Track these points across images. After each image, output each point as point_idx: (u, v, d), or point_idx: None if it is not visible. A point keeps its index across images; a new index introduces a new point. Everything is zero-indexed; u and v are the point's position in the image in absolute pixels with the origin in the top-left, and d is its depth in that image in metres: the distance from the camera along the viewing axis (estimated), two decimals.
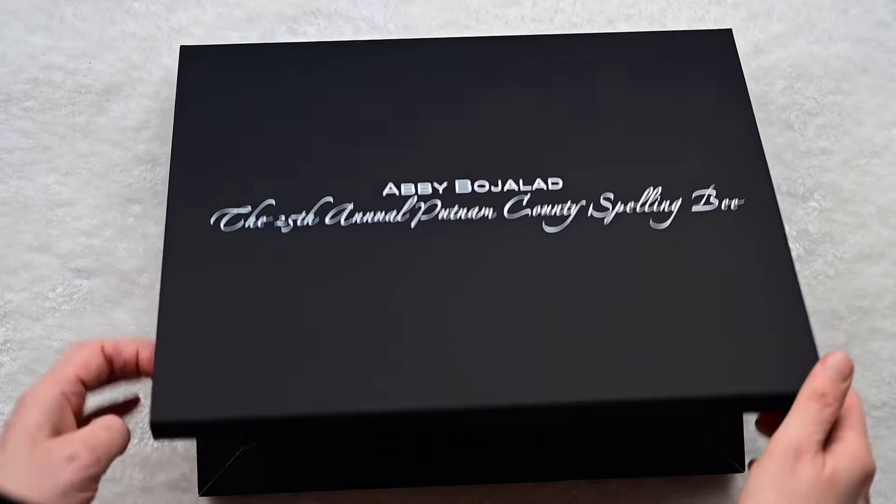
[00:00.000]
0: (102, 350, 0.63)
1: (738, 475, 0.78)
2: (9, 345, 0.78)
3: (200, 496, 0.75)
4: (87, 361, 0.62)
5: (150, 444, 0.78)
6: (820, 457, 0.59)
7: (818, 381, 0.60)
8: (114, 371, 0.64)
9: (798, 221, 0.80)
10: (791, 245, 0.79)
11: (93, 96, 0.79)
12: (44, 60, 0.78)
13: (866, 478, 0.61)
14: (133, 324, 0.78)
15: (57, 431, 0.60)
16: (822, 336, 0.79)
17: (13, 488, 0.56)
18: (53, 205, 0.78)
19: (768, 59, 0.80)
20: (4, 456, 0.58)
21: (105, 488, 0.77)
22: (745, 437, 0.78)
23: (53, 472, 0.57)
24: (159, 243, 0.78)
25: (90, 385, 0.62)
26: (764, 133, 0.80)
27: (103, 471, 0.59)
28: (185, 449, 0.77)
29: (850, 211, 0.80)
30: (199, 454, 0.75)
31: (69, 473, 0.58)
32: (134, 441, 0.78)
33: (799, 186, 0.79)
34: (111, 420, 0.62)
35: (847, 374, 0.61)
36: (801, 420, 0.59)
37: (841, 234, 0.80)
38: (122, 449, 0.62)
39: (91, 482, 0.59)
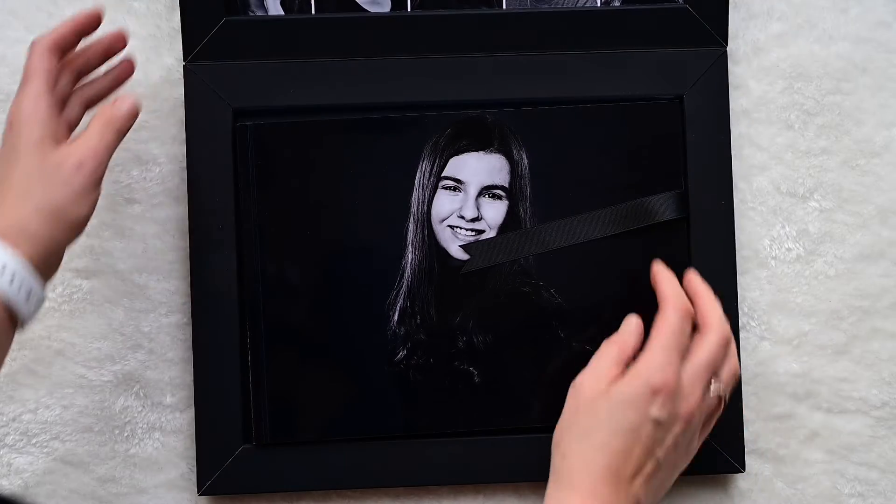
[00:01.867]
0: (51, 47, 0.68)
1: (738, 475, 0.78)
2: None
3: (199, 496, 0.75)
4: (48, 68, 0.67)
5: (151, 444, 0.78)
6: (604, 380, 0.66)
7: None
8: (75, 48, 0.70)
9: (798, 221, 0.80)
10: (791, 245, 0.79)
11: None
12: None
13: (651, 391, 0.65)
14: (132, 324, 0.78)
15: (56, 140, 0.66)
16: (822, 336, 0.79)
17: (34, 202, 0.64)
18: None
19: (768, 59, 0.80)
20: (17, 171, 0.64)
21: (105, 488, 0.77)
22: (745, 437, 0.78)
23: (66, 181, 0.65)
24: (159, 243, 0.78)
25: (67, 73, 0.70)
26: (764, 133, 0.79)
27: (107, 163, 0.67)
28: (185, 448, 0.77)
29: (850, 211, 0.80)
30: (199, 454, 0.75)
31: (79, 179, 0.65)
32: (134, 441, 0.78)
33: (799, 186, 0.79)
34: (108, 113, 0.67)
35: (633, 324, 0.70)
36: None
37: (841, 234, 0.80)
38: (127, 130, 0.68)
39: (98, 182, 0.66)
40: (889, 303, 0.79)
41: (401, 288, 0.76)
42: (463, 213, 0.76)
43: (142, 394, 0.78)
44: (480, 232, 0.76)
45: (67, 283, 0.78)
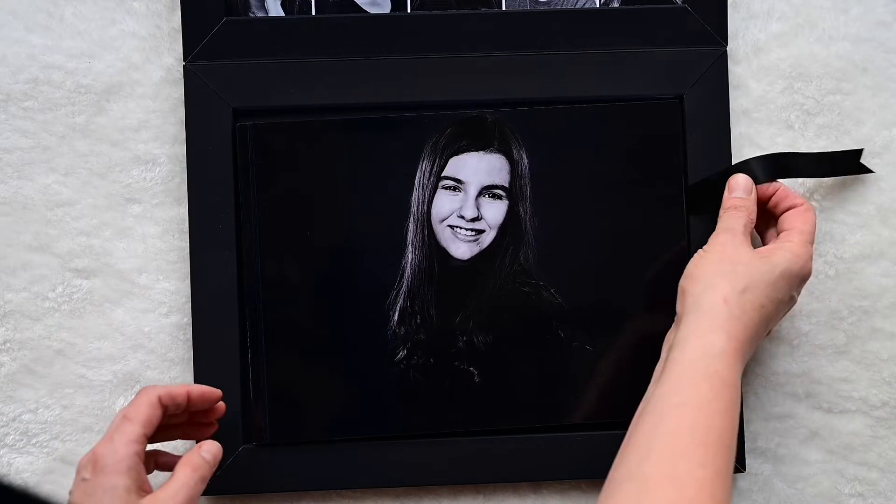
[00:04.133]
0: (160, 401, 0.67)
1: (737, 475, 0.78)
2: (9, 345, 0.78)
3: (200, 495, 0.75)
4: (150, 417, 0.67)
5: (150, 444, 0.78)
6: (749, 244, 0.70)
7: (728, 200, 0.73)
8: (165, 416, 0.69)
9: None
10: None
11: (93, 96, 0.78)
12: (44, 60, 0.78)
13: (801, 277, 0.70)
14: (133, 324, 0.78)
15: (141, 490, 0.65)
16: (822, 336, 0.79)
17: None
18: (53, 205, 0.78)
19: (768, 59, 0.80)
20: None
21: None
22: (744, 436, 0.78)
23: None
24: (159, 243, 0.78)
25: (151, 437, 0.68)
26: (764, 133, 0.79)
27: None
28: (185, 449, 0.77)
29: (850, 211, 0.80)
30: None
31: None
32: None
33: (799, 186, 0.79)
34: (194, 460, 0.67)
35: (749, 188, 0.74)
36: (724, 221, 0.72)
37: (841, 234, 0.80)
38: (211, 475, 0.68)
39: None
40: (889, 303, 0.79)
41: (401, 288, 0.76)
42: (463, 213, 0.76)
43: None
44: (480, 232, 0.76)
45: (67, 283, 0.78)
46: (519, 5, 0.79)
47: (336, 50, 0.77)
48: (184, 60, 0.77)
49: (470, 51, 0.77)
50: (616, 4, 0.79)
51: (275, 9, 0.78)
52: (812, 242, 0.72)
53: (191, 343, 0.76)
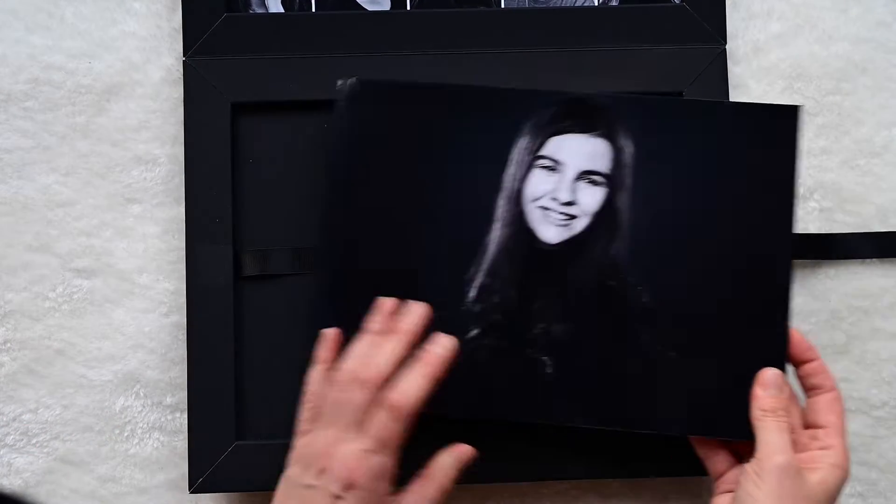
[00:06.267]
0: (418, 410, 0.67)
1: None
2: (9, 345, 0.78)
3: (190, 493, 0.75)
4: (403, 433, 0.66)
5: (151, 444, 0.78)
6: (799, 467, 0.65)
7: (762, 400, 0.68)
8: None
9: (798, 221, 0.79)
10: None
11: (93, 96, 0.79)
12: (44, 60, 0.78)
13: (844, 482, 0.67)
14: (133, 324, 0.78)
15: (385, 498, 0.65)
16: (823, 336, 0.79)
17: None
18: (53, 205, 0.78)
19: (768, 59, 0.80)
20: None
21: (105, 488, 0.77)
22: None
23: None
24: (159, 243, 0.78)
25: None
26: None
27: None
28: (185, 449, 0.77)
29: (850, 211, 0.80)
30: (191, 451, 0.75)
31: None
32: (134, 441, 0.78)
33: (799, 186, 0.79)
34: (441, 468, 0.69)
35: (782, 384, 0.69)
36: (772, 435, 0.66)
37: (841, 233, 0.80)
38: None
39: None
40: (889, 303, 0.79)
41: (482, 264, 0.72)
42: (557, 195, 0.72)
43: (142, 394, 0.78)
44: (573, 217, 0.72)
45: (67, 283, 0.78)
46: (517, 4, 0.79)
47: (336, 46, 0.77)
48: (184, 56, 0.77)
49: (468, 48, 0.77)
50: (614, 3, 0.79)
51: (274, 5, 0.78)
52: (846, 434, 0.68)
53: (187, 342, 0.76)
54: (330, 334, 0.70)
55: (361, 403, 0.65)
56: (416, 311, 0.69)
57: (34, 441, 0.78)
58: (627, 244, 0.72)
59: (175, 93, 0.79)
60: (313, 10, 0.78)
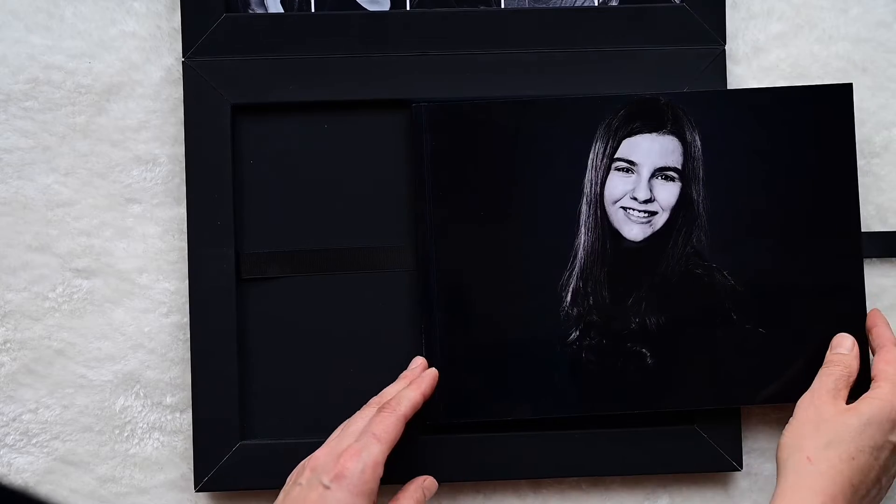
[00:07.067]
0: (405, 419, 0.69)
1: (737, 474, 0.78)
2: (9, 345, 0.78)
3: (196, 492, 0.75)
4: (396, 437, 0.68)
5: (151, 444, 0.78)
6: (840, 399, 0.71)
7: (827, 356, 0.75)
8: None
9: None
10: None
11: (93, 96, 0.79)
12: (44, 60, 0.78)
13: (894, 417, 0.70)
14: (133, 324, 0.78)
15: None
16: None
17: None
18: (53, 205, 0.78)
19: (768, 59, 0.80)
20: None
21: (105, 488, 0.77)
22: (744, 435, 0.78)
23: None
24: (159, 243, 0.78)
25: None
26: None
27: None
28: (185, 449, 0.77)
29: None
30: (196, 451, 0.75)
31: None
32: (134, 441, 0.78)
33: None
34: (417, 496, 0.71)
35: (851, 346, 0.74)
36: (815, 381, 0.73)
37: None
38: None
39: None
40: (889, 303, 0.79)
41: (574, 269, 0.76)
42: (636, 195, 0.76)
43: (142, 394, 0.78)
44: (653, 213, 0.76)
45: (67, 283, 0.78)
46: (517, 4, 0.79)
47: (335, 47, 0.77)
48: (183, 56, 0.77)
49: (468, 48, 0.77)
50: (614, 3, 0.79)
51: (274, 5, 0.78)
52: None
53: (191, 343, 0.76)
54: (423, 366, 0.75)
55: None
56: (410, 397, 0.71)
57: (34, 441, 0.78)
58: (707, 232, 0.76)
59: (175, 93, 0.79)
60: (313, 10, 0.78)
